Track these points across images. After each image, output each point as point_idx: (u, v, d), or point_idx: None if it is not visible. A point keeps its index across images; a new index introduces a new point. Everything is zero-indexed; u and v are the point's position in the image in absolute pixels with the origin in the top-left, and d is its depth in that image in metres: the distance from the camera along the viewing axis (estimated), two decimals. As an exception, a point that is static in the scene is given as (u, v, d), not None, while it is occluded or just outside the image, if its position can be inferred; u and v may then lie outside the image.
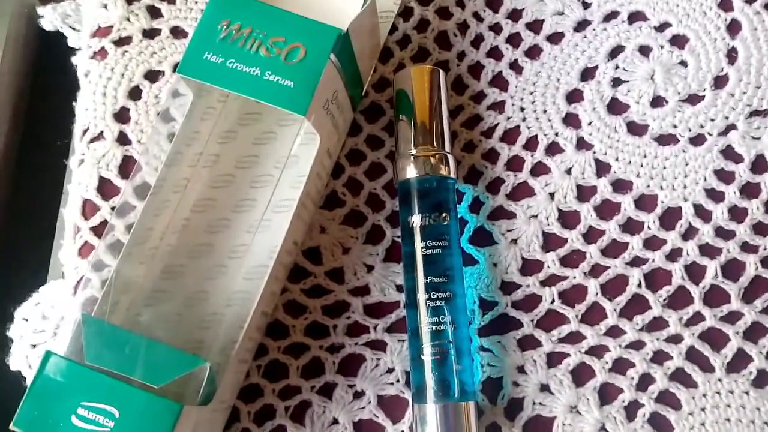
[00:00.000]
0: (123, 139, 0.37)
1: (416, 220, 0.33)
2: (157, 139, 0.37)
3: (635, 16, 0.38)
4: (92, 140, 0.38)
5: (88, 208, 0.37)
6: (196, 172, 0.36)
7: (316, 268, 0.35)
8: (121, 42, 0.39)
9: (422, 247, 0.33)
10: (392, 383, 0.34)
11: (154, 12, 0.39)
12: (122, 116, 0.38)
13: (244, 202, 0.36)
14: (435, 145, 0.34)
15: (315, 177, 0.33)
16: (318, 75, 0.30)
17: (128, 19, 0.39)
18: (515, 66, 0.38)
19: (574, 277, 0.35)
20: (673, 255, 0.35)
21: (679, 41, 0.37)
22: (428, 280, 0.32)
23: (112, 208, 0.37)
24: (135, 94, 0.38)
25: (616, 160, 0.36)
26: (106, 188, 0.37)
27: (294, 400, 0.34)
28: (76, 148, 0.38)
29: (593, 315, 0.34)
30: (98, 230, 0.36)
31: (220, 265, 0.35)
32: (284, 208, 0.35)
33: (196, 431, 0.29)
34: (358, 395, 0.34)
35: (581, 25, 0.38)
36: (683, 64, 0.37)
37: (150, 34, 0.39)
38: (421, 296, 0.32)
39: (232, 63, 0.30)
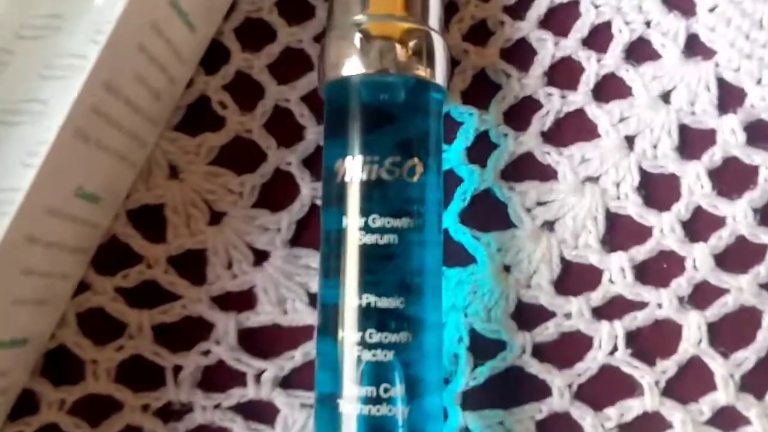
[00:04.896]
0: None
1: (354, 167, 0.16)
2: None
3: None
4: None
5: None
6: None
7: (152, 247, 0.18)
8: None
9: (361, 228, 0.16)
10: (281, 493, 0.17)
11: None
12: None
13: (28, 107, 0.18)
14: (409, 13, 0.17)
15: (135, 53, 0.15)
16: None
17: None
18: None
19: (660, 305, 0.18)
20: None
21: None
22: (366, 301, 0.15)
23: None
24: None
25: (758, 83, 0.20)
26: None
27: None
28: None
29: (689, 383, 0.18)
30: None
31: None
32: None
33: None
34: None
35: None
36: None
37: None
38: (349, 334, 0.15)
39: None
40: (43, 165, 0.14)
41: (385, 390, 0.15)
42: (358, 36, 0.16)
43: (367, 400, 0.15)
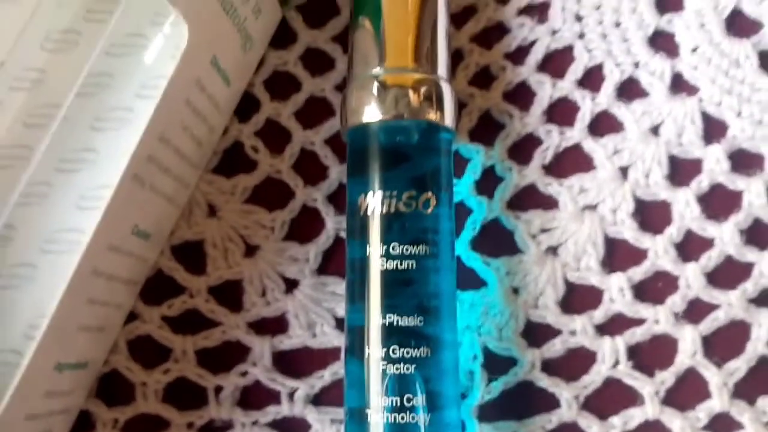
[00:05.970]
0: None
1: (375, 201, 0.18)
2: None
3: None
4: None
5: None
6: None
7: (194, 279, 0.20)
8: None
9: (382, 255, 0.17)
10: (315, 501, 0.19)
11: None
12: None
13: (80, 155, 0.20)
14: (420, 66, 0.18)
15: (183, 108, 0.17)
16: None
17: None
18: (571, -57, 0.22)
19: (657, 322, 0.20)
20: (837, 291, 0.19)
21: None
22: (389, 322, 0.17)
23: None
24: None
25: (738, 115, 0.21)
26: None
27: None
28: None
29: (686, 392, 0.19)
30: None
31: (27, 264, 0.19)
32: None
33: None
34: None
35: None
36: None
37: None
38: (374, 350, 0.17)
39: None
40: (108, 207, 0.15)
41: (408, 399, 0.16)
42: (375, 86, 0.18)
43: (392, 409, 0.16)
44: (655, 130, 0.21)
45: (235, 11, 0.18)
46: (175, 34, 0.20)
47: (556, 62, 0.21)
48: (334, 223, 0.20)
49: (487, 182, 0.20)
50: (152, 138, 0.16)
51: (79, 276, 0.15)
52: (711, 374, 0.19)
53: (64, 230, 0.20)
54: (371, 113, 0.18)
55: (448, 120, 0.18)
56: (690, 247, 0.20)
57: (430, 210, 0.18)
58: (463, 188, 0.20)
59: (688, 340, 0.19)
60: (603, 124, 0.21)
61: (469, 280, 0.20)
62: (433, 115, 0.18)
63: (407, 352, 0.17)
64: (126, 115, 0.20)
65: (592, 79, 0.21)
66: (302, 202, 0.21)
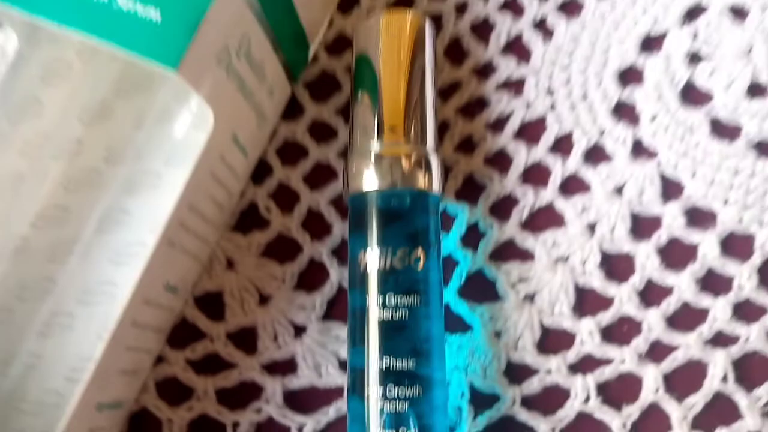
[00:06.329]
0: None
1: (372, 258, 0.20)
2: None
3: (728, -40, 0.25)
4: None
5: None
6: (40, 164, 0.23)
7: (214, 326, 0.22)
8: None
9: (380, 305, 0.20)
10: None
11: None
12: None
13: (115, 216, 0.23)
14: (411, 139, 0.21)
15: (209, 180, 0.20)
16: (204, 4, 0.17)
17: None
18: (543, 26, 0.25)
19: (623, 361, 0.22)
20: (783, 332, 0.22)
21: (794, 0, 0.24)
22: (386, 364, 0.19)
23: None
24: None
25: (693, 176, 0.23)
26: None
27: None
28: None
29: (650, 425, 0.22)
30: None
31: (66, 313, 0.22)
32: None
33: None
34: None
35: (645, -29, 0.25)
36: (800, 35, 0.24)
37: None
38: (373, 389, 0.19)
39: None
40: (145, 267, 0.18)
41: (402, 432, 0.19)
42: (373, 157, 0.20)
43: (389, 440, 0.19)
44: (618, 191, 0.23)
45: (252, 96, 0.21)
46: (199, 110, 0.23)
47: (530, 131, 0.24)
48: (337, 275, 0.23)
49: (472, 237, 0.23)
50: (183, 207, 0.19)
51: (121, 327, 0.18)
52: (672, 408, 0.21)
53: (100, 283, 0.22)
54: (369, 182, 0.21)
55: (436, 186, 0.21)
56: (651, 294, 0.22)
57: (420, 266, 0.20)
58: (451, 242, 0.23)
59: (651, 378, 0.22)
60: (572, 186, 0.23)
61: (457, 324, 0.22)
62: (422, 183, 0.21)
63: (402, 391, 0.19)
64: (155, 181, 0.23)
65: (562, 145, 0.23)
66: (309, 256, 0.23)
